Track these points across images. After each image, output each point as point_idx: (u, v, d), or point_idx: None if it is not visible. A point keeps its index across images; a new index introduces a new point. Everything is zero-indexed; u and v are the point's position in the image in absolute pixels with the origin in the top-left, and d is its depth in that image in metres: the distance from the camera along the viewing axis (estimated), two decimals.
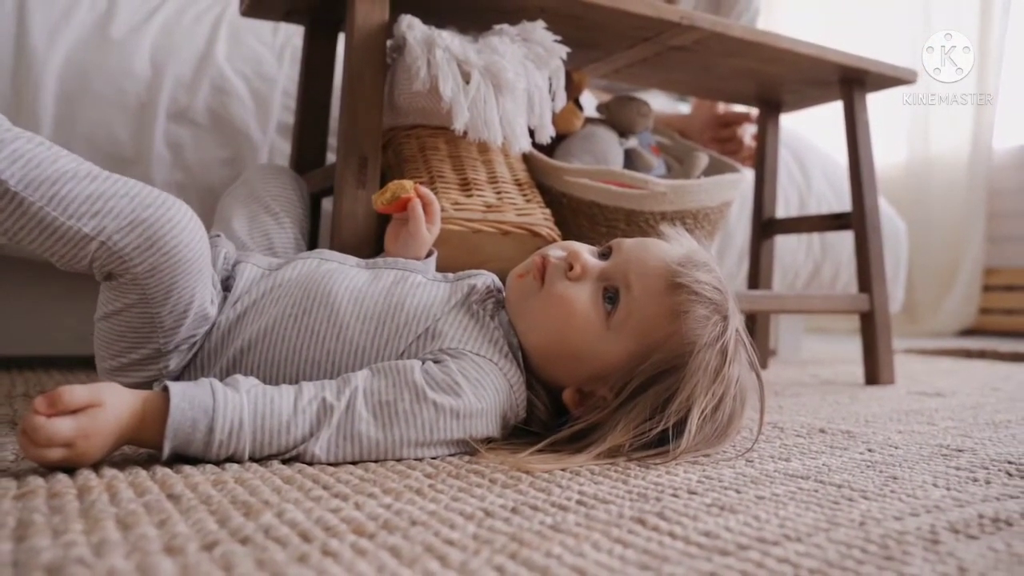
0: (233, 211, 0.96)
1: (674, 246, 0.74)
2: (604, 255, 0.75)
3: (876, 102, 1.48)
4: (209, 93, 1.22)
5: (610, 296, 0.71)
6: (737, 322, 0.71)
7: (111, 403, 0.56)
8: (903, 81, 1.40)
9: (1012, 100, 3.25)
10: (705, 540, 0.46)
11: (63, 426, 0.54)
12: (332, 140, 1.21)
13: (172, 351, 0.70)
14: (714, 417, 0.68)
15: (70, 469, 0.56)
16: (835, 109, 1.45)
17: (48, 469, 0.56)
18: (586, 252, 0.75)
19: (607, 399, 0.70)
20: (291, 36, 1.34)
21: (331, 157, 1.21)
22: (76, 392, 0.55)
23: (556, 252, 0.75)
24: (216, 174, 1.23)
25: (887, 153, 3.45)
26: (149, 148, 1.18)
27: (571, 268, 0.72)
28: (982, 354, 2.03)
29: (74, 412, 0.55)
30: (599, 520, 0.49)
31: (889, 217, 2.02)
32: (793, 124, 2.01)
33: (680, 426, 0.66)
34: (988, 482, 0.64)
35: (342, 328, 0.71)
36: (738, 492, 0.58)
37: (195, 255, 0.67)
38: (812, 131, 2.22)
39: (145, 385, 0.72)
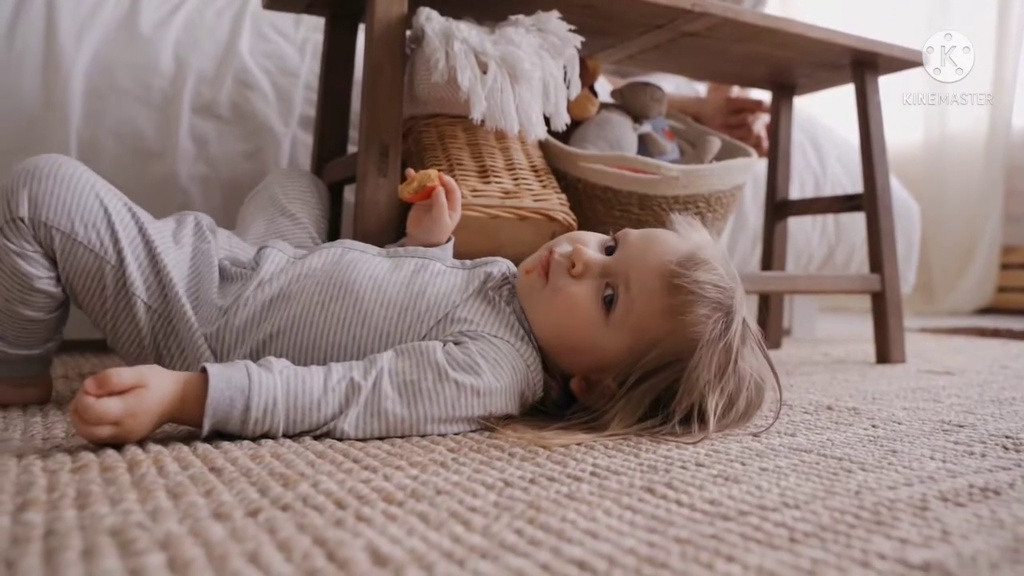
0: (253, 218, 0.99)
1: (679, 241, 0.75)
2: (611, 248, 0.77)
3: (894, 81, 1.49)
4: (232, 87, 1.26)
5: (609, 295, 0.74)
6: (744, 315, 0.73)
7: (155, 384, 0.60)
8: (915, 63, 1.41)
9: None
10: (709, 507, 0.50)
11: (112, 406, 0.58)
12: (353, 132, 1.24)
13: (123, 264, 0.74)
14: (731, 411, 0.72)
15: (117, 445, 0.61)
16: (852, 92, 1.46)
17: (97, 445, 0.61)
18: (592, 247, 0.77)
19: (611, 388, 0.74)
20: (313, 30, 1.37)
21: (352, 149, 1.24)
22: (123, 374, 0.59)
23: (561, 248, 0.77)
24: (239, 167, 1.26)
25: (905, 132, 3.44)
26: (174, 142, 1.22)
27: (574, 266, 0.75)
28: (996, 333, 2.04)
29: (121, 393, 0.59)
30: (611, 489, 0.53)
31: (902, 199, 2.03)
32: (810, 108, 2.03)
33: (697, 413, 0.70)
34: (984, 455, 0.67)
35: (366, 315, 0.75)
36: (743, 464, 0.61)
37: (47, 168, 0.72)
38: (829, 114, 2.22)
39: (147, 351, 0.77)
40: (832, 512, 0.49)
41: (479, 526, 0.45)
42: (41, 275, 0.72)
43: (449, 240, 0.91)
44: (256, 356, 0.75)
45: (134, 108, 1.20)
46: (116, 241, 0.74)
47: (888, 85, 1.43)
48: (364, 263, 0.79)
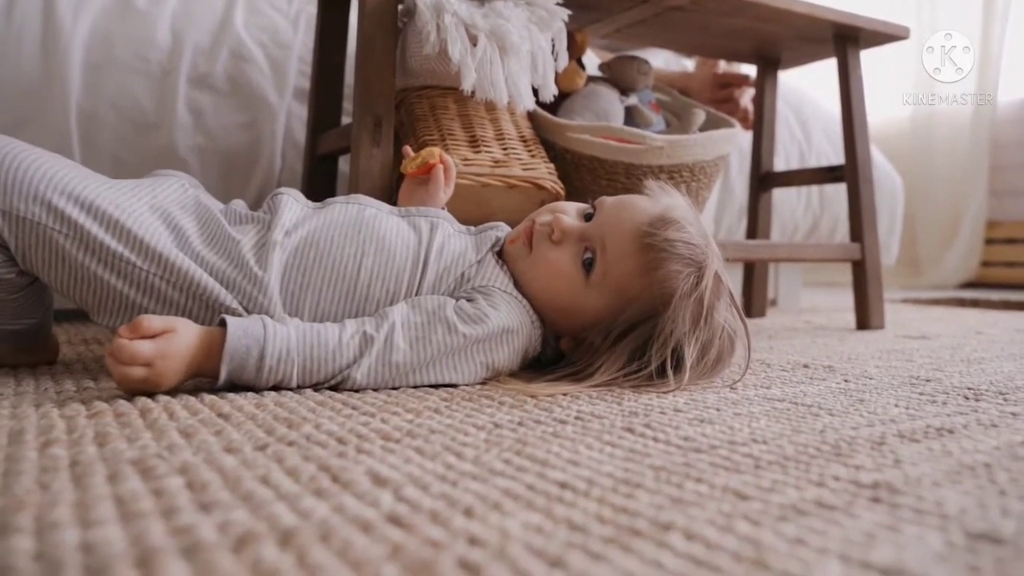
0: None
1: (651, 204, 0.80)
2: (590, 215, 0.82)
3: (883, 56, 1.52)
4: (228, 60, 1.28)
5: (589, 258, 0.78)
6: (717, 269, 0.77)
7: (183, 330, 0.65)
8: (896, 37, 1.45)
9: (1017, 53, 3.25)
10: (683, 443, 0.54)
11: (144, 346, 0.63)
12: (347, 104, 1.27)
13: (80, 230, 0.70)
14: (704, 359, 0.76)
15: (129, 398, 0.64)
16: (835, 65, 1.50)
17: (110, 397, 0.64)
18: (570, 215, 0.82)
19: (596, 344, 0.79)
20: (305, 3, 1.40)
21: (346, 120, 1.27)
22: (154, 320, 0.64)
23: (543, 218, 0.82)
24: (236, 138, 1.29)
25: (893, 108, 3.48)
26: (172, 114, 1.25)
27: (553, 233, 0.79)
28: (975, 303, 2.09)
29: (153, 337, 0.63)
30: (593, 430, 0.57)
31: (886, 171, 2.07)
32: (796, 81, 2.06)
33: (674, 364, 0.75)
34: (945, 403, 0.71)
35: (399, 271, 0.79)
36: (718, 410, 0.65)
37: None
38: (816, 87, 2.26)
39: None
40: (796, 446, 0.53)
41: (470, 456, 0.49)
42: None
43: (443, 210, 0.95)
44: (289, 305, 0.76)
45: (132, 80, 1.23)
46: (62, 212, 0.69)
47: (883, 74, 1.46)
48: (385, 220, 0.81)
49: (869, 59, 1.48)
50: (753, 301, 1.69)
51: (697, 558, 0.33)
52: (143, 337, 0.63)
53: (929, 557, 0.34)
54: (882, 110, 3.43)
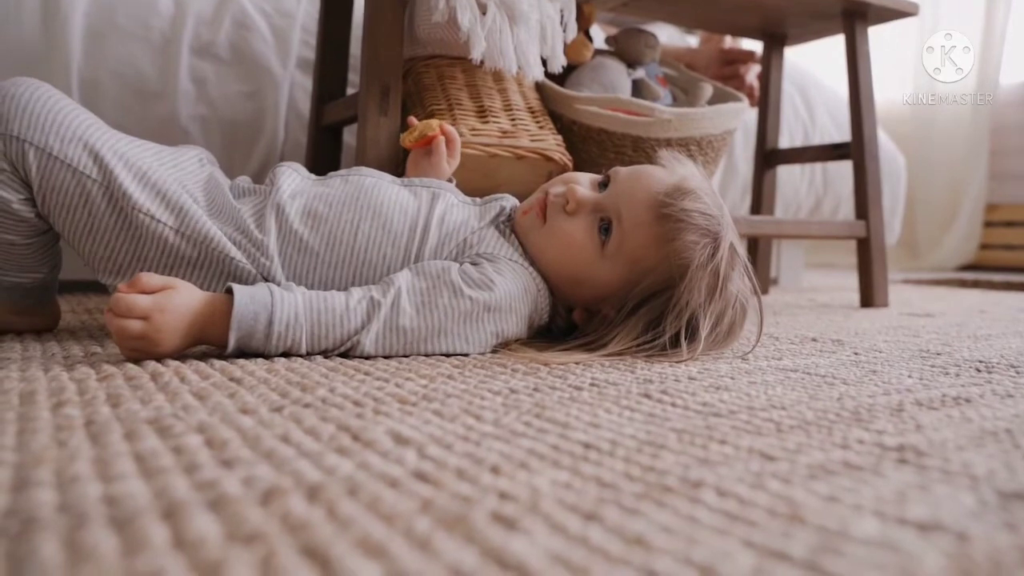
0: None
1: (667, 174, 0.79)
2: (604, 184, 0.81)
3: (884, 39, 1.51)
4: (231, 29, 1.27)
5: (604, 228, 0.77)
6: (732, 240, 0.77)
7: (184, 289, 0.64)
8: (904, 14, 1.44)
9: (1018, 37, 3.24)
10: (702, 408, 0.53)
11: (141, 299, 0.62)
12: (352, 75, 1.26)
13: (113, 179, 0.71)
14: (716, 329, 0.76)
15: (139, 364, 0.64)
16: (839, 45, 1.48)
17: (119, 361, 0.64)
18: (584, 185, 0.81)
19: (610, 316, 0.78)
20: None
21: (352, 91, 1.25)
22: (153, 277, 0.64)
23: (556, 189, 0.81)
24: (239, 108, 1.27)
25: (893, 89, 3.46)
26: (174, 83, 1.23)
27: (567, 203, 0.78)
28: (976, 284, 2.09)
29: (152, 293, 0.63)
30: (609, 396, 0.57)
31: (889, 151, 2.06)
32: (798, 59, 2.04)
33: (686, 333, 0.74)
34: (958, 375, 0.71)
35: (396, 237, 0.78)
36: (732, 379, 0.65)
37: (19, 88, 0.70)
38: (818, 66, 2.24)
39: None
40: (816, 412, 0.53)
41: (490, 419, 0.48)
42: (12, 198, 0.70)
43: (451, 181, 0.93)
44: (288, 268, 0.76)
45: (134, 48, 1.21)
46: (98, 157, 0.71)
47: (885, 56, 1.45)
48: (385, 188, 0.81)
49: (871, 42, 1.47)
50: (755, 279, 1.69)
51: (731, 513, 0.33)
52: (143, 292, 0.63)
53: (964, 514, 0.34)
54: (883, 92, 3.41)
